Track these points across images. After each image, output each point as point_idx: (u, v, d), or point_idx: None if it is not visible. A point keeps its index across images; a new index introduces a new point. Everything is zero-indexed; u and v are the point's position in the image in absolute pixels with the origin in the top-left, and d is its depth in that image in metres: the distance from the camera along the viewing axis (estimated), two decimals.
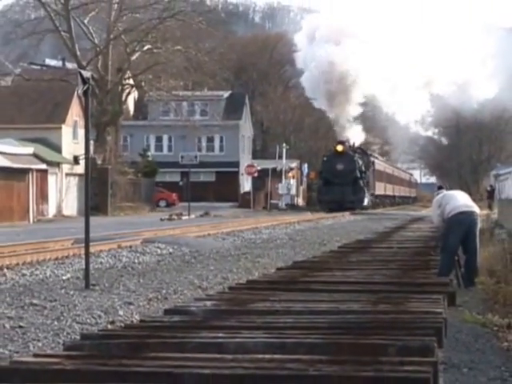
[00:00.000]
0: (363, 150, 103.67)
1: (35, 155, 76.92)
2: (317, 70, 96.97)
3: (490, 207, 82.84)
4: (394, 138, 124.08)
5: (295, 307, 13.49)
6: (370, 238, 36.29)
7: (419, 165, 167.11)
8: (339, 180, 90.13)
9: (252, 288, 16.90)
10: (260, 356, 9.34)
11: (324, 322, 11.66)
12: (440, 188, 23.86)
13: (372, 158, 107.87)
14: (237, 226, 48.37)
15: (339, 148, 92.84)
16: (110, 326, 14.29)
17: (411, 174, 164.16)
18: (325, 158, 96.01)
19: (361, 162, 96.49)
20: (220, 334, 10.79)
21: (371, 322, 11.78)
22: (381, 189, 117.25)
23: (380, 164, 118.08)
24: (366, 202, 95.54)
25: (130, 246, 32.57)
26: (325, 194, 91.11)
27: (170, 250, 32.29)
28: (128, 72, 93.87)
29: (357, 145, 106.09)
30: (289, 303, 14.08)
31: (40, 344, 13.12)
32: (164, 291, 19.92)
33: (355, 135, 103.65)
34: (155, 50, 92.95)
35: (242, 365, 8.79)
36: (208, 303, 14.39)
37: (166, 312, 13.75)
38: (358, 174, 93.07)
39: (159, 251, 31.81)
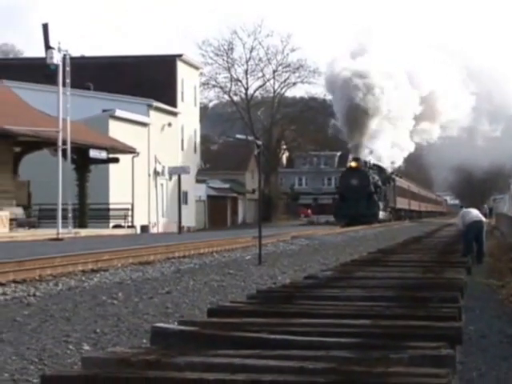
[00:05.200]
0: (380, 167, 72.04)
1: (230, 189, 77.66)
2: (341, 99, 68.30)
3: (490, 218, 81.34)
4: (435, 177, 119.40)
5: (378, 275, 13.38)
6: (420, 235, 35.94)
7: (448, 192, 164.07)
8: (354, 195, 61.56)
9: (353, 264, 16.81)
10: (358, 303, 9.30)
11: (395, 283, 11.56)
12: (461, 207, 24.15)
13: (393, 176, 76.80)
14: (344, 229, 48.12)
15: (353, 164, 65.06)
16: (273, 286, 14.32)
17: (438, 195, 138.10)
18: (341, 174, 68.51)
19: (376, 178, 66.67)
20: (335, 291, 10.74)
21: (422, 283, 11.65)
22: (404, 204, 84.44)
23: (403, 182, 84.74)
24: (380, 215, 65.92)
25: (284, 240, 32.60)
26: (340, 209, 62.48)
27: (307, 243, 32.25)
28: (282, 141, 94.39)
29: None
30: (375, 272, 13.97)
31: (233, 295, 13.19)
32: (303, 266, 19.91)
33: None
34: (297, 129, 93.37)
35: (348, 308, 8.76)
36: (328, 273, 14.35)
37: (305, 278, 13.71)
38: (373, 189, 63.74)
39: (300, 243, 31.78)
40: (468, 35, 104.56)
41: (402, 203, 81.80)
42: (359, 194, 61.68)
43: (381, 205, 65.75)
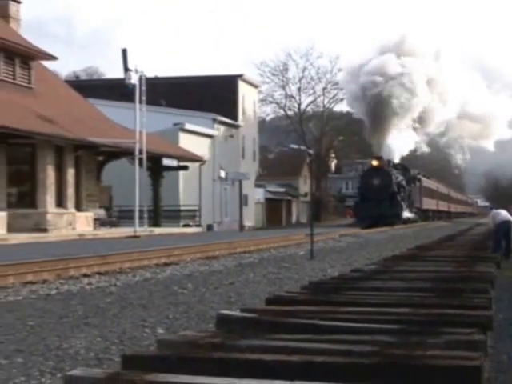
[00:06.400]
0: (404, 166, 60.72)
1: (285, 192, 77.55)
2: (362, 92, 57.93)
3: None
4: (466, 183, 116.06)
5: (417, 269, 13.29)
6: (454, 233, 35.55)
7: (479, 195, 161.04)
8: (376, 195, 51.08)
9: (395, 259, 16.71)
10: (399, 293, 9.24)
11: (431, 276, 11.47)
12: (491, 208, 23.82)
13: (419, 176, 65.62)
14: (385, 228, 47.56)
15: (375, 163, 53.45)
16: (323, 278, 14.28)
17: (469, 197, 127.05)
18: (361, 174, 57.05)
19: (400, 177, 55.81)
20: (378, 282, 10.69)
21: (456, 276, 11.54)
22: (431, 204, 73.49)
23: (430, 183, 73.84)
24: (404, 216, 55.35)
25: (333, 238, 32.40)
26: (362, 210, 52.07)
27: (353, 240, 32.02)
28: (331, 150, 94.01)
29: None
30: (413, 267, 13.87)
31: (288, 286, 13.14)
32: (350, 260, 19.78)
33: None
34: (344, 140, 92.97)
35: (390, 298, 8.71)
36: (372, 266, 14.27)
37: (352, 271, 13.67)
38: (396, 189, 53.22)
39: (347, 240, 31.59)
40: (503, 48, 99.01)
41: (429, 204, 71.49)
42: (381, 194, 51.56)
43: (404, 205, 55.56)
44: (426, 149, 70.07)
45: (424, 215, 67.32)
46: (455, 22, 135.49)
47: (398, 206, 53.21)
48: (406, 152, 64.41)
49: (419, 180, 65.44)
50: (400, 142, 61.29)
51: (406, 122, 61.44)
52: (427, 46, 63.38)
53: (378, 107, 57.00)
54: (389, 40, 62.08)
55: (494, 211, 22.42)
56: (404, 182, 56.79)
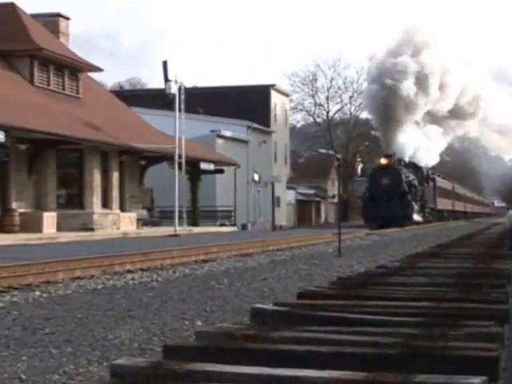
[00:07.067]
0: (416, 165, 54.28)
1: (315, 194, 77.31)
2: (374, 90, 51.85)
3: None
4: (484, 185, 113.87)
5: (438, 266, 13.18)
6: (472, 232, 35.18)
7: (496, 196, 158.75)
8: (385, 195, 46.06)
9: (417, 256, 16.59)
10: (422, 288, 9.18)
11: (452, 272, 11.37)
12: (508, 209, 23.53)
13: (433, 175, 60.23)
14: (409, 227, 47.21)
15: (383, 161, 48.34)
16: (351, 274, 14.21)
17: (486, 198, 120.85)
18: (370, 173, 50.82)
19: (411, 176, 50.36)
20: (402, 278, 10.62)
21: (475, 272, 11.44)
22: (447, 204, 68.02)
23: (445, 183, 68.70)
24: (416, 216, 50.42)
25: (359, 237, 32.26)
26: (370, 210, 47.03)
27: (379, 238, 31.83)
28: (358, 155, 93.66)
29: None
30: (435, 263, 13.76)
31: (317, 282, 13.04)
32: (376, 257, 19.64)
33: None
34: (370, 145, 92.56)
35: (413, 292, 8.66)
36: (396, 263, 14.18)
37: (377, 267, 13.58)
38: (406, 188, 47.72)
39: (373, 239, 31.42)
40: None
41: (443, 204, 65.88)
42: (390, 193, 46.45)
43: (416, 205, 50.42)
44: (446, 157, 68.68)
45: (439, 215, 62.42)
46: (479, 32, 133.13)
47: (409, 206, 48.30)
48: (435, 160, 60.28)
49: (433, 180, 60.46)
50: (424, 145, 56.49)
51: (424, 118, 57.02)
52: (455, 50, 59.50)
53: (389, 98, 51.05)
54: (418, 38, 55.93)
55: (511, 211, 22.24)
56: (416, 182, 51.83)
